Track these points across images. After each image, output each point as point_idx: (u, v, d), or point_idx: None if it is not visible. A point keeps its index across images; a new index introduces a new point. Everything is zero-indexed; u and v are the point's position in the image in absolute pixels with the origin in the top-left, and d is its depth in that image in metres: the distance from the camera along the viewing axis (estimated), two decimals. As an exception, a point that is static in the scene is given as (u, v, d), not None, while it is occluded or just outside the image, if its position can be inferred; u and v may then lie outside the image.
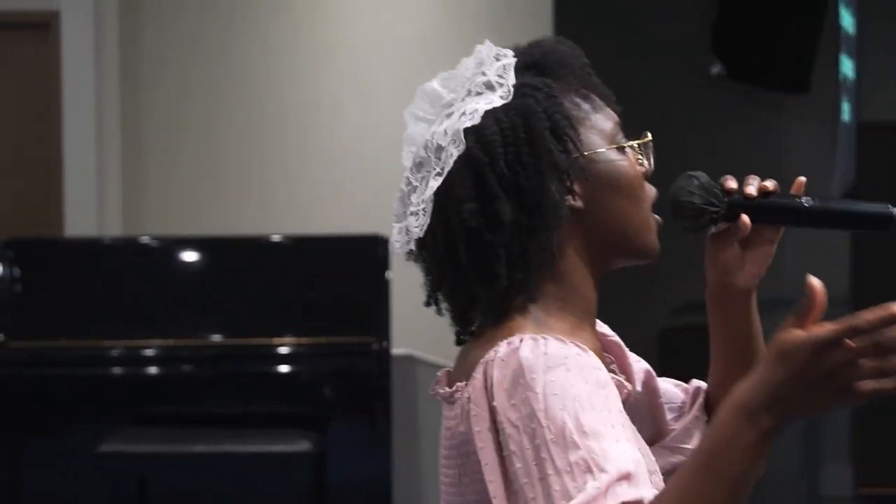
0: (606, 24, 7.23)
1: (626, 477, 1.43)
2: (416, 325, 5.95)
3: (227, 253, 5.79)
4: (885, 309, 1.35)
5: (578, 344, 1.56)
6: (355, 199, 6.72)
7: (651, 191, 1.69)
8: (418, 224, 1.66)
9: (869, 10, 7.50)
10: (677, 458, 1.83)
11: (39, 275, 5.64)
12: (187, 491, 5.46)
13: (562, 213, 1.61)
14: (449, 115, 1.65)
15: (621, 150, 1.67)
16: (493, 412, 1.53)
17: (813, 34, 7.28)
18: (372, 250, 5.55)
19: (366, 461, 5.48)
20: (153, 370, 5.52)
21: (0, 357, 5.45)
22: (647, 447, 1.70)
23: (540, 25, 6.58)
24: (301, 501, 5.43)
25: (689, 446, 1.83)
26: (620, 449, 1.46)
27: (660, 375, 1.89)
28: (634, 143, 1.69)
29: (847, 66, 7.47)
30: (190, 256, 5.75)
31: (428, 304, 1.68)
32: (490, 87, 1.65)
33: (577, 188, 1.64)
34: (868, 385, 1.33)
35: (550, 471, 1.46)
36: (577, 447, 1.46)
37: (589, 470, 1.44)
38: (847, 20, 7.41)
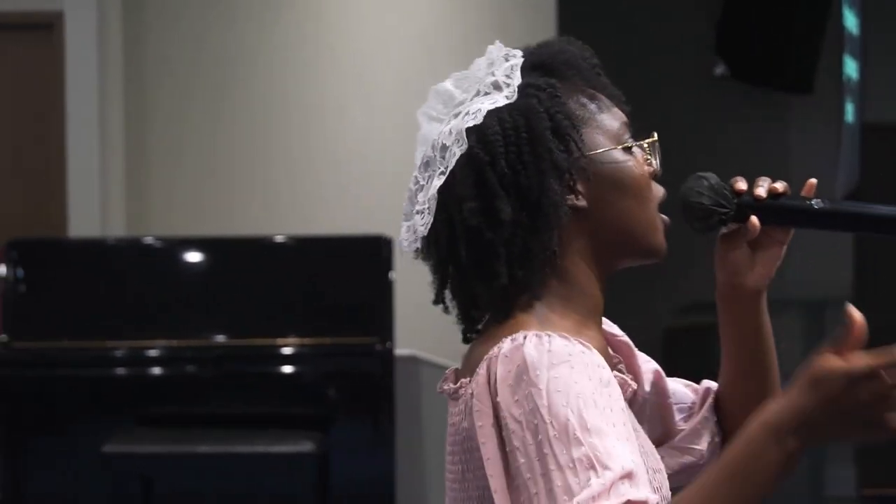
0: (610, 24, 7.23)
1: (628, 476, 1.44)
2: (420, 325, 5.96)
3: (230, 253, 5.79)
4: None
5: (583, 342, 1.57)
6: (359, 199, 6.72)
7: (658, 191, 1.69)
8: (423, 223, 1.67)
9: (873, 10, 7.49)
10: (686, 459, 1.83)
11: (43, 275, 5.64)
12: (191, 491, 5.46)
13: (562, 213, 1.62)
14: (456, 115, 1.66)
15: (628, 150, 1.67)
16: (496, 408, 1.53)
17: (817, 35, 7.28)
18: (375, 251, 5.55)
19: (369, 461, 5.48)
20: (157, 371, 5.52)
21: (4, 357, 5.45)
22: (651, 445, 1.70)
23: (544, 27, 6.58)
24: (304, 501, 5.43)
25: (697, 447, 1.83)
26: (622, 448, 1.47)
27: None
28: (641, 144, 1.69)
29: (851, 67, 7.46)
30: (193, 257, 5.75)
31: (436, 302, 1.69)
32: (497, 87, 1.66)
33: (581, 188, 1.64)
34: None
35: (553, 466, 1.47)
36: (579, 444, 1.46)
37: (592, 467, 1.45)
38: (851, 21, 7.40)
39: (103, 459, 5.25)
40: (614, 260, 1.68)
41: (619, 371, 1.72)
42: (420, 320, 5.98)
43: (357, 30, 6.82)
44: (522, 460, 1.49)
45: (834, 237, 6.75)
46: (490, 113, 1.64)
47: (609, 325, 1.80)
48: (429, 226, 1.67)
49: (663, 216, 1.69)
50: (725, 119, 7.62)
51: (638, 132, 1.71)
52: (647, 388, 1.82)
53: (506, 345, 1.55)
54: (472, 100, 1.67)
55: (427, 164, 1.68)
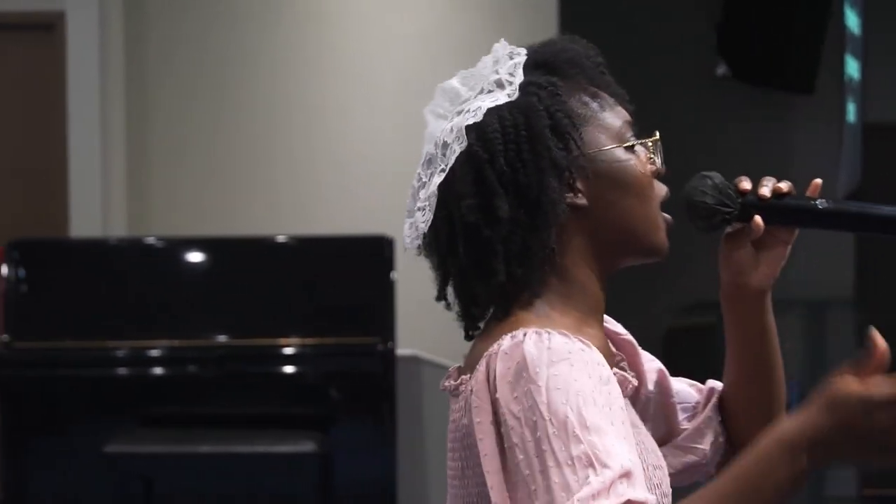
0: (611, 25, 7.24)
1: (626, 475, 1.44)
2: (422, 325, 5.96)
3: (232, 253, 5.80)
4: None
5: (582, 339, 1.57)
6: (360, 199, 6.72)
7: (661, 190, 1.69)
8: (424, 219, 1.68)
9: (874, 10, 7.49)
10: (689, 458, 1.83)
11: (45, 275, 5.64)
12: (193, 491, 5.46)
13: (559, 211, 1.62)
14: (459, 113, 1.67)
15: (630, 148, 1.67)
16: (494, 404, 1.54)
17: (818, 35, 7.28)
18: (377, 251, 5.55)
19: (371, 461, 5.49)
20: (158, 371, 5.52)
21: (6, 358, 5.45)
22: (652, 442, 1.71)
23: (545, 27, 6.58)
24: (306, 502, 5.43)
25: (700, 446, 1.83)
26: (621, 446, 1.47)
27: (665, 375, 1.89)
28: (643, 142, 1.69)
29: (852, 67, 7.46)
30: (195, 257, 5.76)
31: (438, 298, 1.69)
32: (500, 85, 1.67)
33: (581, 186, 1.64)
34: None
35: (551, 463, 1.47)
36: (578, 441, 1.47)
37: (591, 464, 1.45)
38: (852, 21, 7.40)
39: (105, 459, 5.25)
40: (615, 258, 1.68)
41: (621, 369, 1.72)
42: (421, 320, 5.98)
43: (358, 30, 6.82)
44: (521, 457, 1.50)
45: (836, 237, 6.75)
46: (490, 111, 1.64)
47: (613, 324, 1.81)
48: (429, 223, 1.67)
49: (665, 215, 1.69)
50: (727, 119, 7.62)
51: (640, 132, 1.71)
52: (651, 386, 1.82)
53: (505, 342, 1.56)
54: (475, 97, 1.67)
55: (430, 162, 1.68)
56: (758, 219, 1.69)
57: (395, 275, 5.53)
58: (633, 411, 1.69)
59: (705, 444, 1.83)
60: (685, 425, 1.85)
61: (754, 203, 1.69)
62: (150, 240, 6.05)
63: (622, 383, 1.64)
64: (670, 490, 1.69)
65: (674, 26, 7.54)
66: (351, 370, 5.49)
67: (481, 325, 1.67)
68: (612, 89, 1.71)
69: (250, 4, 6.83)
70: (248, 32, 6.81)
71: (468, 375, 1.60)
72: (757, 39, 7.31)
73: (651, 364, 1.84)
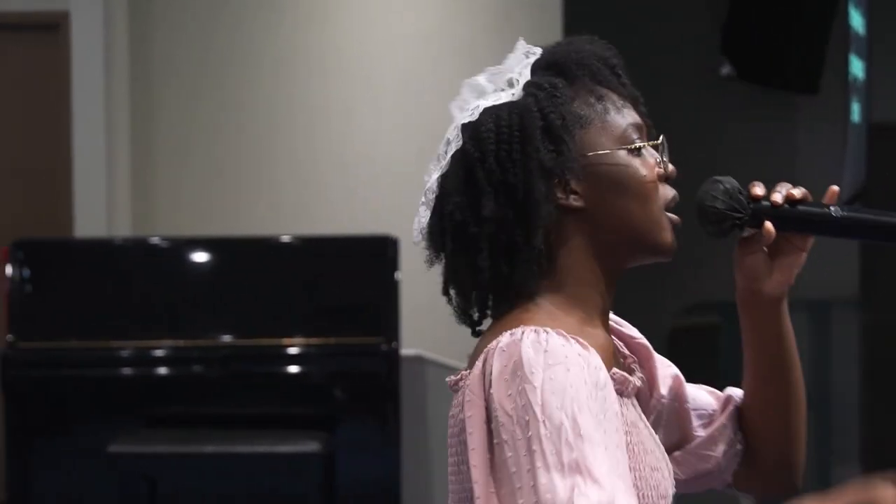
0: (616, 24, 7.23)
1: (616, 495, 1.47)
2: (425, 325, 5.96)
3: (236, 253, 5.80)
4: None
5: (581, 341, 1.57)
6: (364, 200, 6.72)
7: (667, 193, 1.69)
8: (424, 214, 1.69)
9: (879, 10, 7.49)
10: (701, 466, 1.83)
11: (49, 276, 5.64)
12: (196, 491, 5.46)
13: (543, 213, 1.62)
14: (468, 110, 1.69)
15: (636, 151, 1.67)
16: (488, 400, 1.55)
17: (823, 35, 7.27)
18: (381, 251, 5.55)
19: (375, 461, 5.49)
20: (163, 371, 5.53)
21: (10, 358, 5.46)
22: (654, 443, 1.71)
23: (550, 27, 6.58)
24: (310, 501, 5.43)
25: (713, 454, 1.82)
26: (611, 458, 1.49)
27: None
28: (645, 145, 1.68)
29: (857, 67, 7.46)
30: (200, 257, 5.76)
31: (444, 293, 1.70)
32: (511, 84, 1.69)
33: (578, 188, 1.65)
34: None
35: (539, 464, 1.48)
36: (570, 448, 1.48)
37: (579, 472, 1.47)
38: (857, 20, 7.40)
39: (109, 459, 5.25)
40: (620, 258, 1.68)
41: (629, 371, 1.73)
42: (425, 320, 5.99)
43: (363, 31, 6.82)
44: (509, 454, 1.51)
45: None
46: (489, 110, 1.66)
47: (628, 328, 1.82)
48: (427, 218, 1.68)
49: (672, 215, 1.68)
50: (731, 119, 7.62)
51: (658, 133, 1.71)
52: (664, 391, 1.82)
53: (504, 339, 1.57)
54: (488, 95, 1.69)
55: (438, 157, 1.70)
56: (769, 225, 1.68)
57: (399, 275, 5.53)
58: (634, 410, 1.69)
59: (718, 453, 1.83)
60: (700, 432, 1.84)
61: (766, 209, 1.68)
62: (155, 240, 6.05)
63: (622, 383, 1.65)
64: (671, 491, 1.69)
65: (678, 26, 7.54)
66: (355, 370, 5.49)
67: (485, 322, 1.68)
68: (624, 91, 1.70)
69: (254, 5, 6.83)
70: (252, 32, 6.81)
71: (468, 371, 1.61)
72: (761, 39, 7.31)
73: (667, 370, 1.84)
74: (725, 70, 7.40)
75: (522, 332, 1.56)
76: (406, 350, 5.60)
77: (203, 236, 6.00)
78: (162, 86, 6.81)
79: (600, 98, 1.68)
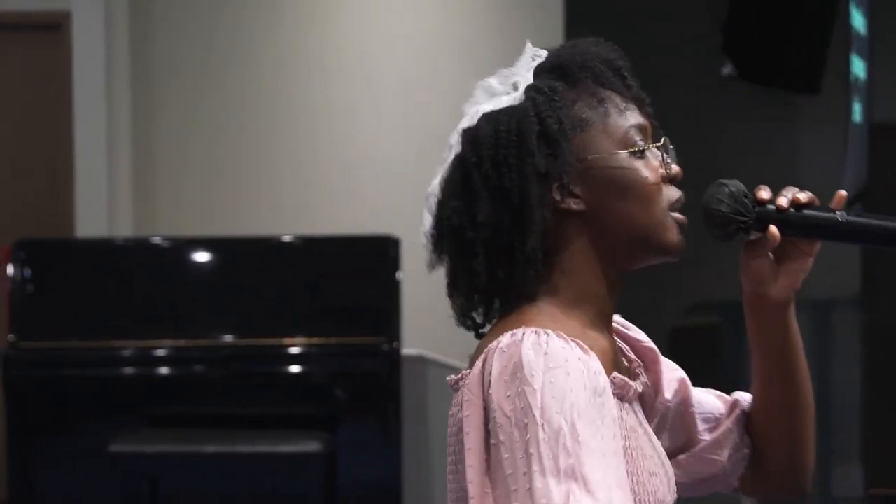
0: (617, 24, 7.23)
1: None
2: (427, 325, 5.96)
3: (238, 253, 5.80)
4: None
5: (582, 344, 1.57)
6: (366, 200, 6.72)
7: (673, 194, 1.68)
8: (428, 219, 1.69)
9: (880, 10, 7.48)
10: (706, 470, 1.83)
11: (50, 275, 5.65)
12: (198, 491, 5.46)
13: (537, 217, 1.62)
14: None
15: (639, 153, 1.67)
16: (486, 400, 1.55)
17: (824, 34, 7.27)
18: (383, 251, 5.55)
19: (376, 461, 5.49)
20: (164, 370, 5.53)
21: (12, 357, 5.46)
22: (654, 447, 1.70)
23: (551, 28, 6.58)
24: (311, 501, 5.44)
25: (717, 458, 1.82)
26: (607, 465, 1.50)
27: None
28: (647, 147, 1.68)
29: (858, 67, 7.45)
30: (201, 257, 5.76)
31: (448, 294, 1.70)
32: (515, 87, 1.69)
33: (579, 191, 1.65)
34: None
35: (536, 468, 1.48)
36: (567, 454, 1.48)
37: (575, 478, 1.48)
38: (858, 20, 7.39)
39: (110, 459, 5.25)
40: (624, 260, 1.68)
41: (634, 376, 1.73)
42: (427, 320, 5.98)
43: (364, 31, 6.82)
44: (506, 455, 1.51)
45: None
46: (487, 115, 1.66)
47: (635, 332, 1.82)
48: (430, 222, 1.69)
49: (678, 215, 1.68)
50: (732, 119, 7.61)
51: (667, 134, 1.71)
52: (670, 395, 1.81)
53: (505, 339, 1.57)
54: (492, 100, 1.69)
55: (443, 162, 1.71)
56: (773, 229, 1.67)
57: (400, 274, 5.53)
58: (634, 415, 1.68)
59: (723, 457, 1.82)
60: (705, 436, 1.83)
61: (771, 213, 1.67)
62: (156, 240, 6.06)
63: (622, 387, 1.65)
64: (670, 497, 1.69)
65: (679, 26, 7.53)
66: (356, 370, 5.49)
67: (487, 325, 1.68)
68: (629, 93, 1.70)
69: (255, 5, 6.83)
70: (252, 32, 6.81)
71: (468, 370, 1.61)
72: (762, 39, 7.30)
73: (673, 374, 1.84)
74: (727, 70, 7.40)
75: (523, 334, 1.56)
76: (407, 350, 5.60)
77: (204, 236, 6.00)
78: (163, 86, 6.82)
79: (601, 101, 1.67)
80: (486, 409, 1.54)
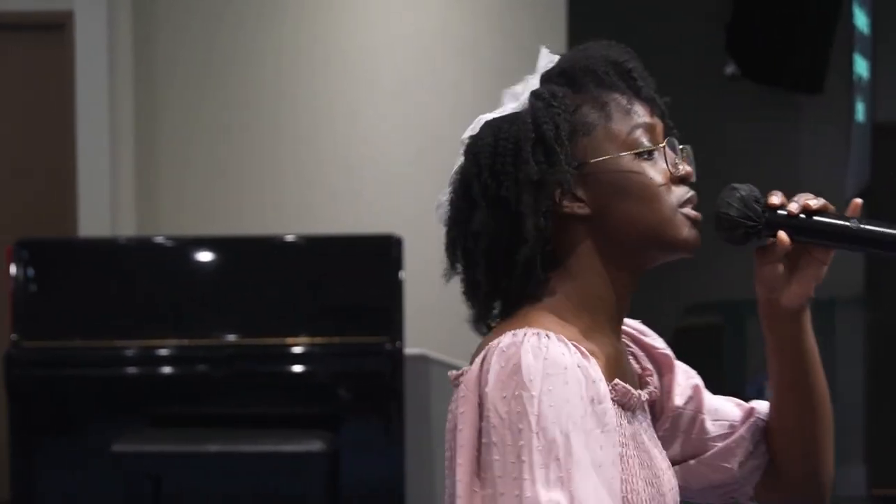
0: (620, 24, 7.23)
1: None
2: (430, 324, 5.97)
3: (240, 253, 5.80)
4: None
5: (582, 349, 1.57)
6: (368, 199, 6.72)
7: (682, 193, 1.67)
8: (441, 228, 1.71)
9: (883, 9, 7.48)
10: (716, 477, 1.81)
11: (53, 275, 5.65)
12: (201, 490, 5.46)
13: (530, 225, 1.62)
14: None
15: (645, 155, 1.66)
16: (481, 398, 1.55)
17: (827, 34, 7.27)
18: (385, 250, 5.55)
19: (379, 461, 5.48)
20: (167, 370, 5.53)
21: (14, 357, 5.46)
22: (655, 457, 1.70)
23: (553, 27, 6.58)
24: (314, 501, 5.43)
25: (728, 465, 1.80)
26: (598, 476, 1.51)
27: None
28: (650, 149, 1.67)
29: (861, 66, 7.45)
30: (204, 256, 5.76)
31: (465, 299, 1.71)
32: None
33: (583, 196, 1.65)
34: None
35: (527, 476, 1.49)
36: (559, 466, 1.49)
37: (563, 492, 1.49)
38: (861, 20, 7.39)
39: (113, 458, 5.25)
40: (634, 261, 1.68)
41: (644, 381, 1.73)
42: (430, 319, 5.99)
43: (367, 31, 6.82)
44: (496, 457, 1.51)
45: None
46: (490, 122, 1.67)
47: (652, 338, 1.82)
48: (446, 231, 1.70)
49: (690, 212, 1.67)
50: (735, 119, 7.61)
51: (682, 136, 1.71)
52: (682, 402, 1.81)
53: (506, 339, 1.57)
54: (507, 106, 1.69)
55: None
56: (781, 234, 1.66)
57: (403, 274, 5.53)
58: (637, 423, 1.68)
59: (733, 465, 1.80)
60: (717, 443, 1.82)
61: (781, 218, 1.66)
62: (159, 239, 6.06)
63: (624, 394, 1.64)
64: None
65: (682, 25, 7.54)
66: (359, 369, 5.49)
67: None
68: (636, 95, 1.69)
69: (260, 5, 6.83)
70: (255, 33, 6.81)
71: (469, 367, 1.61)
72: (765, 39, 7.31)
73: (688, 381, 1.83)
74: (730, 69, 7.40)
75: (524, 334, 1.56)
76: (410, 349, 5.60)
77: (207, 236, 6.00)
78: (165, 86, 6.82)
79: (605, 104, 1.67)
80: (482, 407, 1.54)
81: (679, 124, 1.75)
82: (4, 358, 5.44)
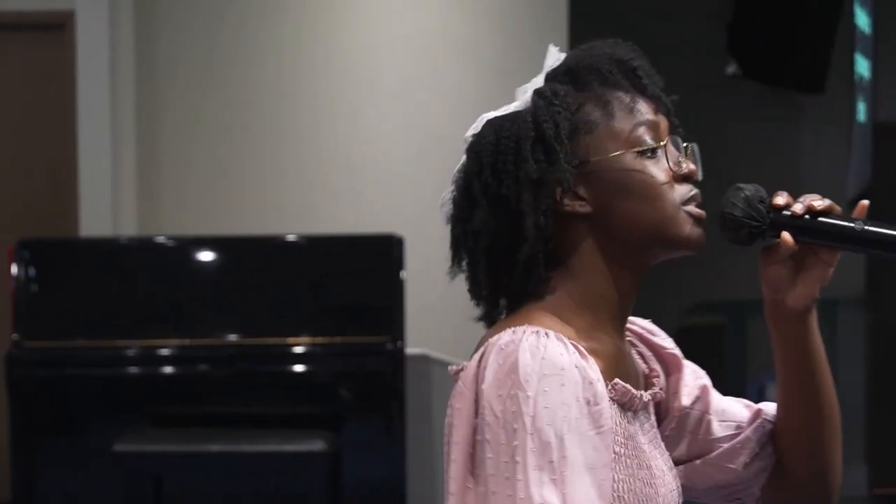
0: (621, 23, 7.23)
1: None
2: (431, 324, 5.97)
3: (242, 253, 5.80)
4: None
5: (580, 349, 1.57)
6: (369, 199, 6.72)
7: (685, 191, 1.67)
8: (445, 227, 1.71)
9: (884, 9, 7.48)
10: (720, 477, 1.80)
11: (55, 275, 5.65)
12: (202, 490, 5.46)
13: (529, 223, 1.62)
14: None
15: (649, 153, 1.66)
16: (478, 395, 1.55)
17: (828, 34, 7.28)
18: (387, 250, 5.55)
19: (380, 460, 5.48)
20: (168, 370, 5.53)
21: (16, 357, 5.46)
22: (654, 458, 1.69)
23: (555, 27, 6.58)
24: (315, 500, 5.43)
25: (732, 466, 1.80)
26: (592, 478, 1.51)
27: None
28: (651, 147, 1.67)
29: (863, 66, 7.45)
30: (205, 256, 5.76)
31: (471, 297, 1.71)
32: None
33: (585, 194, 1.64)
34: None
35: (520, 476, 1.50)
36: (552, 468, 1.49)
37: (556, 494, 1.49)
38: (862, 20, 7.40)
39: (115, 458, 5.25)
40: (637, 259, 1.68)
41: (649, 382, 1.73)
42: (431, 319, 5.99)
43: (368, 31, 6.82)
44: (490, 455, 1.52)
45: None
46: (492, 121, 1.66)
47: (661, 338, 1.81)
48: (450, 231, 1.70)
49: (694, 209, 1.67)
50: (737, 118, 7.62)
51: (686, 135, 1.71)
52: (688, 402, 1.80)
53: (505, 336, 1.57)
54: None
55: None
56: (785, 235, 1.65)
57: (404, 274, 5.53)
58: (637, 423, 1.68)
59: (738, 465, 1.79)
60: (723, 444, 1.81)
61: (786, 219, 1.65)
62: (160, 239, 6.06)
63: (624, 394, 1.64)
64: None
65: (684, 25, 7.54)
66: (360, 369, 5.49)
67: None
68: (640, 92, 1.69)
69: (261, 5, 6.83)
70: (258, 32, 6.82)
71: (468, 362, 1.61)
72: (767, 39, 7.31)
73: (696, 381, 1.82)
74: (731, 69, 7.41)
75: (524, 332, 1.56)
76: (411, 349, 5.60)
77: (208, 235, 6.00)
78: (167, 86, 6.82)
79: (607, 102, 1.67)
80: (477, 403, 1.55)
81: (680, 124, 1.75)
82: (6, 358, 5.44)
